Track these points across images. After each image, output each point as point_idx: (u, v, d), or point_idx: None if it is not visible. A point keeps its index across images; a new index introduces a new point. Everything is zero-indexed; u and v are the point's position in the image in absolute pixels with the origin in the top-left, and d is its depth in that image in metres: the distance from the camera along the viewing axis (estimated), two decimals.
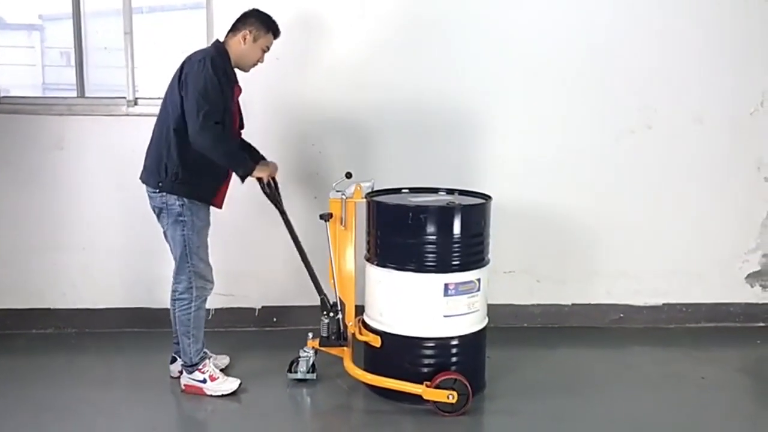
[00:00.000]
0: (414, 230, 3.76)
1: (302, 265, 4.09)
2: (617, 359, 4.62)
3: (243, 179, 3.82)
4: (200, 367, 3.94)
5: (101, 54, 4.99)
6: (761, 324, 5.22)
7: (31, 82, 5.54)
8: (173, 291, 3.97)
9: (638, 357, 4.66)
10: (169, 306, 4.05)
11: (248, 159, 3.86)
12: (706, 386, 4.26)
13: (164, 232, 3.91)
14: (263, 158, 4.09)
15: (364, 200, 3.99)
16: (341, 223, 4.00)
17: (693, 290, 5.14)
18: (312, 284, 4.08)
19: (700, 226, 5.07)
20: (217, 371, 3.99)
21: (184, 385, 3.98)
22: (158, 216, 3.87)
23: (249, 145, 4.12)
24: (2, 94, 4.72)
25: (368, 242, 4.00)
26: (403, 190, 4.20)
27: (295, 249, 4.06)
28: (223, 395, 3.92)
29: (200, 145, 3.66)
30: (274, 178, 4.04)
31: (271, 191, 4.02)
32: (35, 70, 5.69)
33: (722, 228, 5.10)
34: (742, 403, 4.20)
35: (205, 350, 4.04)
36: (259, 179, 3.93)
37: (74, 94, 4.75)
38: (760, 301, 5.22)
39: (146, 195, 3.86)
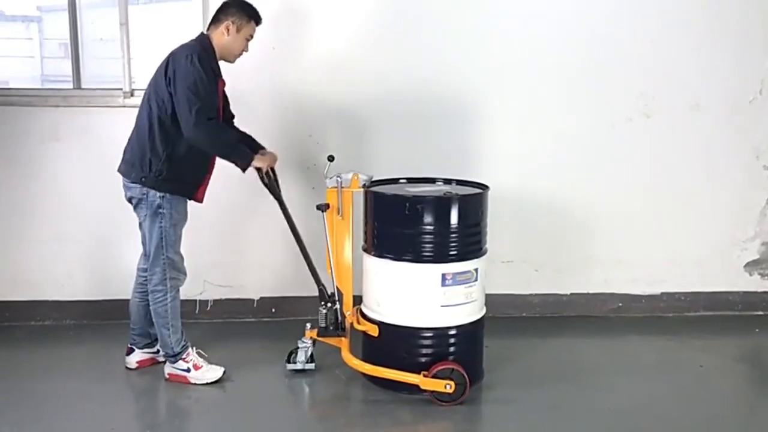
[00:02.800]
0: (411, 220, 3.75)
1: (300, 255, 4.09)
2: (616, 348, 4.62)
3: (243, 170, 3.82)
4: (184, 356, 3.95)
5: (97, 45, 4.98)
6: (760, 312, 5.21)
7: (30, 74, 5.54)
8: (141, 284, 3.99)
9: (637, 346, 4.65)
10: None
11: (246, 150, 3.85)
12: (704, 375, 4.26)
13: (140, 223, 3.89)
14: (262, 148, 4.08)
15: (361, 190, 3.97)
16: (338, 213, 3.98)
17: (691, 279, 5.14)
18: (310, 274, 4.08)
19: (698, 215, 5.06)
20: (201, 360, 4.00)
21: (168, 373, 3.99)
22: (135, 207, 3.86)
23: (248, 135, 4.10)
24: (0, 86, 4.70)
25: (365, 232, 3.99)
26: (401, 181, 4.19)
27: (293, 239, 4.05)
28: (207, 383, 3.94)
29: (196, 141, 3.67)
30: (273, 169, 4.03)
31: (270, 182, 4.01)
32: (34, 61, 5.69)
33: (721, 216, 5.10)
34: (741, 392, 4.21)
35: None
36: (258, 169, 3.92)
37: (71, 85, 4.73)
38: (759, 290, 5.21)
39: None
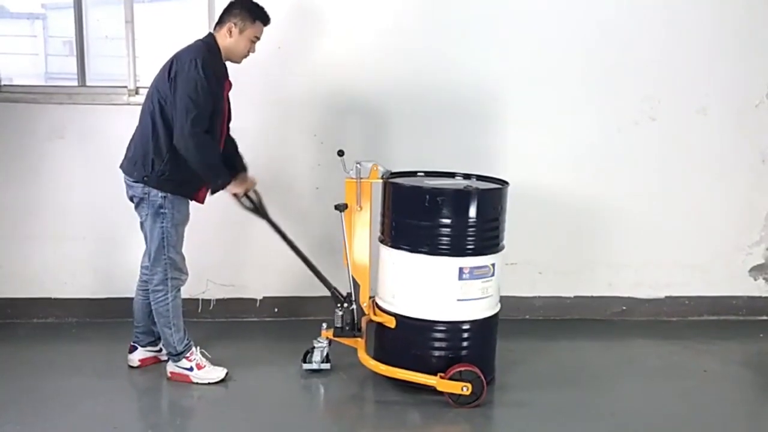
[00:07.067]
0: (431, 212, 3.75)
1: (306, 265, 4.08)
2: (620, 352, 4.61)
3: (213, 192, 3.78)
4: (187, 355, 3.95)
5: (102, 43, 4.97)
6: (764, 317, 5.21)
7: (34, 72, 5.53)
8: (144, 282, 3.98)
9: (640, 350, 4.65)
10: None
11: (226, 173, 3.77)
12: (708, 379, 4.25)
13: (141, 223, 3.88)
14: (245, 170, 4.01)
15: (380, 181, 3.93)
16: (357, 203, 3.92)
17: (696, 283, 5.13)
18: (320, 282, 4.05)
19: (703, 219, 5.05)
20: (204, 360, 3.99)
21: (170, 372, 3.98)
22: (137, 206, 3.84)
23: (236, 152, 4.04)
24: (4, 83, 4.69)
25: (382, 224, 3.99)
26: (419, 174, 4.18)
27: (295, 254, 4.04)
28: (209, 383, 3.94)
29: (182, 148, 3.63)
30: (255, 191, 3.98)
31: (254, 205, 3.96)
32: (38, 59, 5.68)
33: (726, 220, 5.09)
34: (744, 397, 4.19)
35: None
36: (234, 194, 3.86)
37: (75, 83, 4.72)
38: (764, 294, 5.21)
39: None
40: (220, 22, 3.83)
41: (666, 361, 4.48)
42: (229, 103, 3.93)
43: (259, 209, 3.99)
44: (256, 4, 3.84)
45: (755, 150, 5.02)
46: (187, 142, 3.61)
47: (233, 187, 3.81)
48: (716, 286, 5.15)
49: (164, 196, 3.75)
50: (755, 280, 5.19)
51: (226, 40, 3.80)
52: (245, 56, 3.89)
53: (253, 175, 4.01)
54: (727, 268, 5.15)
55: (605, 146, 4.91)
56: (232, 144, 4.04)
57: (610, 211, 4.98)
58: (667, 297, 5.14)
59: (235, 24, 3.78)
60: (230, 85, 3.86)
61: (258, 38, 3.88)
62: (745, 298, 5.19)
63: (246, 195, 3.92)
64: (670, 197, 5.01)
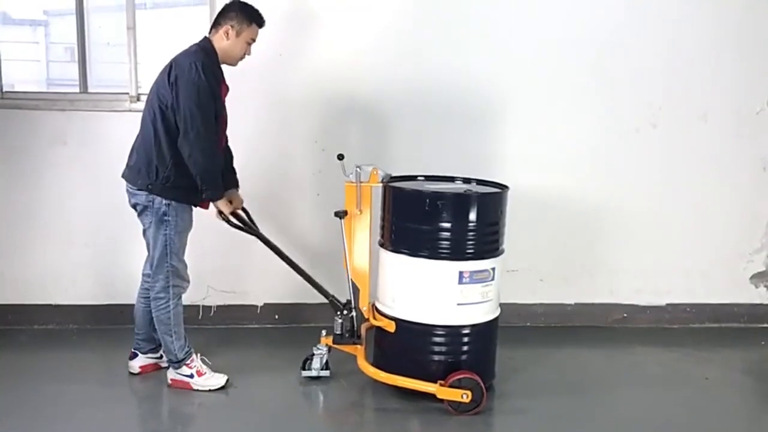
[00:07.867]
0: (431, 217, 3.75)
1: (305, 266, 4.08)
2: (621, 359, 4.60)
3: (203, 201, 3.79)
4: (188, 362, 3.94)
5: (104, 49, 4.98)
6: (765, 325, 5.19)
7: (36, 78, 5.53)
8: (146, 289, 3.98)
9: (642, 357, 4.64)
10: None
11: (221, 186, 3.80)
12: (709, 387, 4.24)
13: (144, 230, 3.87)
14: (236, 186, 4.03)
15: (380, 185, 3.93)
16: (356, 207, 3.92)
17: (697, 290, 5.12)
18: (317, 292, 4.06)
19: (704, 226, 5.05)
20: (204, 367, 3.99)
21: (171, 379, 3.98)
22: (140, 213, 3.84)
23: (230, 167, 4.05)
24: (6, 89, 4.70)
25: (382, 228, 3.99)
26: (419, 178, 4.18)
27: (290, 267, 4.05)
28: (210, 390, 3.93)
29: (185, 152, 3.64)
30: (244, 208, 4.01)
31: (242, 221, 3.98)
32: (40, 65, 5.68)
33: (727, 228, 5.08)
34: (746, 404, 4.19)
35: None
36: (220, 212, 3.86)
37: (77, 89, 4.73)
38: (765, 302, 5.20)
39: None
40: (216, 24, 3.84)
41: (667, 368, 4.48)
42: (224, 109, 3.92)
43: (248, 227, 4.01)
44: (252, 7, 3.85)
45: (756, 157, 5.02)
46: (191, 146, 3.62)
47: (221, 204, 3.83)
48: (717, 294, 5.14)
49: (168, 204, 3.75)
50: (756, 287, 5.18)
51: (222, 42, 3.80)
52: (241, 58, 3.89)
53: (241, 194, 4.02)
54: (729, 276, 5.14)
55: (606, 153, 4.91)
56: (228, 157, 4.04)
57: (611, 218, 4.97)
58: (668, 304, 5.13)
59: (232, 27, 3.79)
60: (227, 88, 3.86)
61: (254, 40, 3.88)
62: (747, 306, 5.18)
63: (233, 214, 3.92)
64: (670, 204, 5.00)
